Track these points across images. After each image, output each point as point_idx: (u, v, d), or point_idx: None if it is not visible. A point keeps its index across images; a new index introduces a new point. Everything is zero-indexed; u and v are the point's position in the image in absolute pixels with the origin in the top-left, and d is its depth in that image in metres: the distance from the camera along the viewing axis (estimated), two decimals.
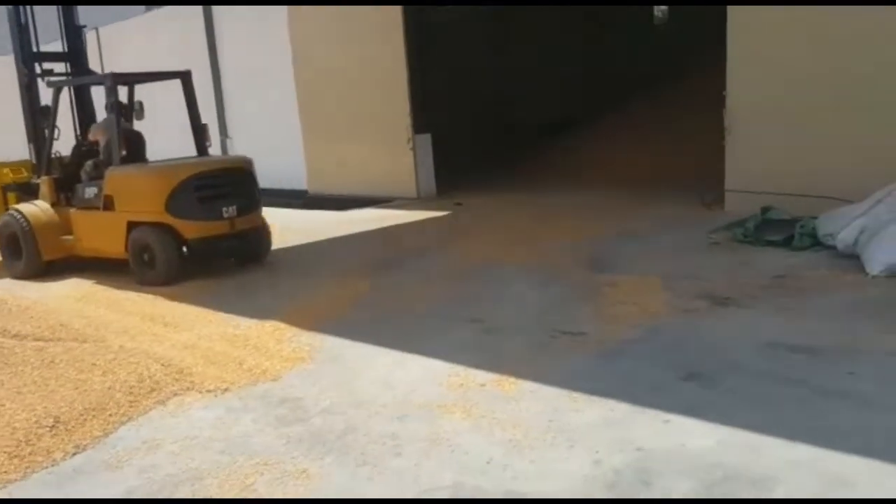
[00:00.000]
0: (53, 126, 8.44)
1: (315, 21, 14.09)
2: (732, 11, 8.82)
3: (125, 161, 7.92)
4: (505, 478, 3.32)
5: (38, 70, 8.95)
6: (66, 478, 3.70)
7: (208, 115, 15.40)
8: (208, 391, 4.64)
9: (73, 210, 8.25)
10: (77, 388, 4.58)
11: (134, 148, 8.29)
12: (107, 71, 9.73)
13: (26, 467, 3.79)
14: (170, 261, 7.49)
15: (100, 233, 7.98)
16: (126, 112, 8.50)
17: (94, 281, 7.89)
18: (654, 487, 3.15)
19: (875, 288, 5.85)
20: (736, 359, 4.55)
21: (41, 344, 5.33)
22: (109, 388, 4.59)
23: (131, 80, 8.76)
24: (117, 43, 18.18)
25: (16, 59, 8.88)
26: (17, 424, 4.15)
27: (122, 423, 4.26)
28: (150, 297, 7.11)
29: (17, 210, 8.36)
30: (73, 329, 5.80)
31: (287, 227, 9.90)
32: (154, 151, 8.83)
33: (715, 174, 9.31)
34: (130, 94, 8.75)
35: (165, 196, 7.40)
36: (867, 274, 6.12)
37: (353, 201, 12.91)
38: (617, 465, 3.35)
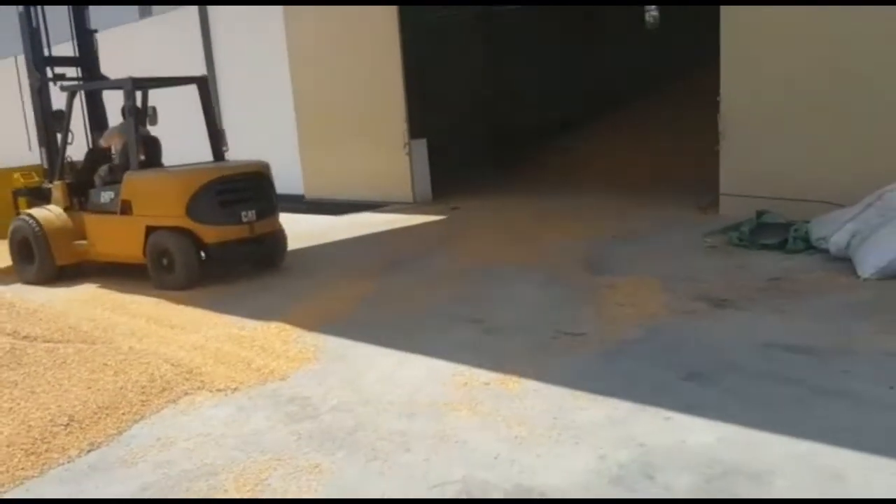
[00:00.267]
0: (67, 130, 8.40)
1: (311, 27, 14.20)
2: (725, 13, 8.97)
3: (142, 166, 7.93)
4: (512, 472, 3.43)
5: (49, 74, 8.90)
6: (82, 474, 3.79)
7: (200, 122, 15.57)
8: (218, 390, 4.73)
9: (87, 215, 8.26)
10: (90, 388, 4.67)
11: (150, 153, 8.31)
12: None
13: (43, 464, 3.88)
14: (189, 265, 7.49)
15: (116, 237, 7.98)
16: (140, 117, 8.50)
17: (98, 284, 7.97)
18: (656, 481, 3.27)
19: (867, 290, 5.99)
20: (734, 359, 4.67)
21: (52, 345, 5.42)
22: (121, 388, 4.68)
23: (149, 84, 8.76)
24: (111, 49, 18.22)
25: (27, 62, 8.84)
26: (32, 423, 4.24)
27: (135, 422, 4.35)
28: (154, 299, 7.20)
29: (30, 215, 8.33)
30: (82, 331, 5.89)
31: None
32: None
33: (710, 177, 9.45)
34: (144, 99, 8.75)
35: (186, 200, 7.40)
36: (859, 276, 6.26)
37: (349, 206, 13.00)
38: (621, 461, 3.46)
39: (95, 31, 9.25)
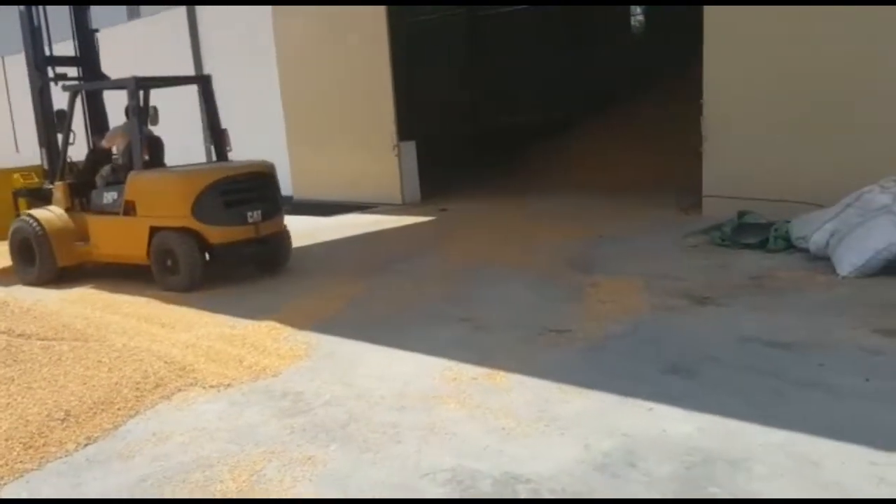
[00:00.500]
0: (69, 131, 8.32)
1: (300, 28, 14.29)
2: (708, 13, 9.14)
3: (145, 166, 7.87)
4: (501, 461, 3.54)
5: (50, 74, 8.81)
6: (81, 467, 3.87)
7: (194, 122, 15.59)
8: (211, 386, 4.82)
9: (89, 215, 8.20)
10: (85, 384, 4.75)
11: (153, 153, 8.25)
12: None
13: (41, 457, 3.96)
14: (194, 266, 7.42)
15: (119, 238, 7.92)
16: (142, 116, 8.36)
17: (90, 285, 7.98)
18: (639, 469, 3.39)
19: (845, 287, 6.16)
20: (714, 353, 4.81)
21: (47, 343, 5.48)
22: (116, 384, 4.76)
23: (152, 84, 8.70)
24: (101, 50, 18.25)
25: (27, 62, 8.75)
26: (29, 418, 4.31)
27: (130, 417, 4.44)
28: (145, 299, 7.26)
29: (31, 215, 8.24)
30: (76, 329, 5.95)
31: None
32: None
33: (694, 179, 9.63)
34: (146, 99, 8.65)
35: (191, 201, 7.35)
36: (837, 274, 6.43)
37: (337, 207, 13.08)
38: (605, 449, 3.59)
39: (97, 30, 9.18)
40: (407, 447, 3.78)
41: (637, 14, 20.53)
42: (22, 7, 8.61)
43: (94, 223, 8.14)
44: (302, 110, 14.64)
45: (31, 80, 8.80)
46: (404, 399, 4.41)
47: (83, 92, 8.89)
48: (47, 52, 8.81)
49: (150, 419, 4.41)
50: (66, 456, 3.99)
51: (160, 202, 7.60)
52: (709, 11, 9.15)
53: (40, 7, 8.67)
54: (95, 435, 4.20)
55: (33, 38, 8.65)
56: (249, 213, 7.60)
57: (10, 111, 21.12)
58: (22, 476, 3.81)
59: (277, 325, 6.05)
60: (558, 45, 17.75)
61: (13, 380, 4.79)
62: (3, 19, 8.92)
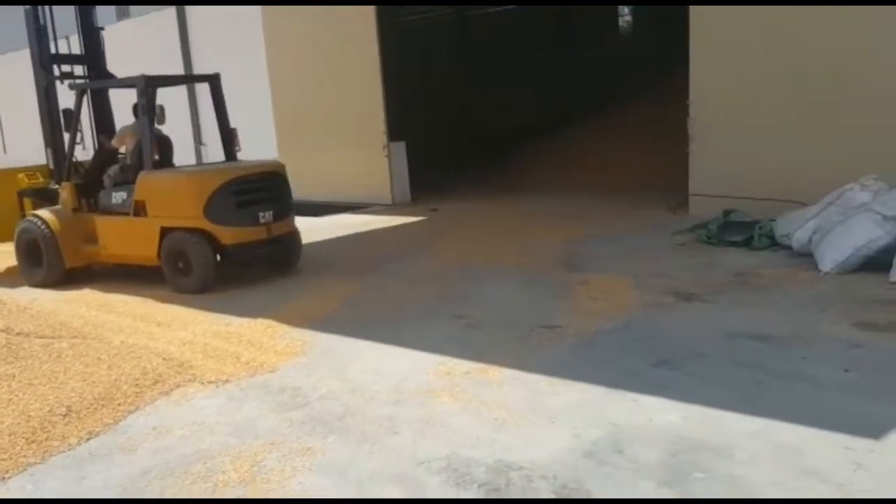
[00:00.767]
0: (76, 130, 8.26)
1: (290, 29, 14.39)
2: (694, 14, 9.30)
3: (155, 166, 7.78)
4: (494, 450, 3.67)
5: (56, 73, 8.69)
6: (84, 460, 3.96)
7: (183, 123, 15.65)
8: (209, 382, 4.92)
9: (97, 216, 8.11)
10: (85, 381, 4.84)
11: (163, 152, 8.19)
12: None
13: (44, 451, 4.05)
14: (206, 267, 7.36)
15: (129, 239, 7.84)
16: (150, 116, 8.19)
17: (85, 285, 8.04)
18: (626, 455, 3.53)
19: (826, 283, 6.33)
20: (700, 347, 4.96)
21: (46, 340, 5.57)
22: (116, 380, 4.85)
23: (161, 83, 8.57)
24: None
25: (33, 61, 8.62)
26: (31, 413, 4.40)
27: (131, 412, 4.53)
28: (140, 298, 7.34)
29: (37, 216, 8.15)
30: (73, 327, 6.04)
31: None
32: None
33: (682, 178, 9.79)
34: (153, 98, 8.35)
35: (203, 201, 7.28)
36: (820, 271, 6.60)
37: (327, 207, 13.17)
38: (594, 438, 3.72)
39: (102, 28, 9.06)
40: (403, 438, 3.89)
41: (625, 14, 20.73)
42: (27, 6, 8.50)
43: (103, 224, 8.05)
44: (292, 111, 14.74)
45: (36, 78, 8.67)
46: (399, 393, 4.52)
47: (89, 91, 8.72)
48: (53, 51, 8.68)
49: (150, 414, 4.50)
50: (68, 450, 4.08)
51: (172, 202, 7.52)
52: (695, 12, 9.31)
53: (46, 5, 8.56)
54: (97, 430, 4.29)
55: (38, 37, 8.53)
56: (261, 214, 7.56)
57: None
58: (26, 469, 3.90)
59: (273, 322, 6.15)
60: (549, 46, 17.91)
61: (14, 376, 4.88)
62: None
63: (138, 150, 7.86)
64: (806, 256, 7.01)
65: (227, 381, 4.94)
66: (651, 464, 3.43)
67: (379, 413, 4.24)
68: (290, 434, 4.05)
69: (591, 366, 4.75)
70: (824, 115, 8.45)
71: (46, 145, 8.72)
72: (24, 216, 8.49)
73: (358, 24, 13.06)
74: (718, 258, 7.50)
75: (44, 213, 8.20)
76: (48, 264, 8.06)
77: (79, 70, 8.95)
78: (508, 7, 16.89)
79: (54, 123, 8.57)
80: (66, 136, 8.40)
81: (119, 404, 4.60)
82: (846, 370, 4.39)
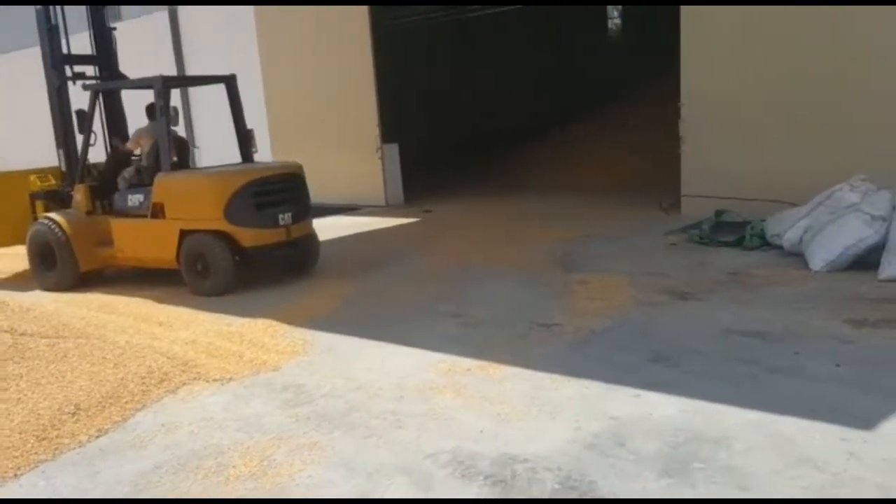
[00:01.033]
0: (90, 131, 8.12)
1: (283, 30, 14.45)
2: (685, 14, 9.45)
3: (172, 168, 7.68)
4: (498, 443, 3.76)
5: (68, 73, 8.57)
6: (95, 457, 4.03)
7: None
8: (214, 380, 5.00)
9: (112, 218, 8.01)
10: (92, 379, 4.91)
11: (180, 154, 8.11)
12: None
13: (55, 449, 4.12)
14: (227, 270, 7.30)
15: (146, 242, 7.75)
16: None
17: (85, 286, 8.06)
18: (627, 448, 3.63)
19: (817, 282, 6.46)
20: (695, 343, 5.08)
21: (51, 341, 5.63)
22: (122, 379, 4.92)
23: (178, 83, 8.47)
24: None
25: (44, 61, 8.53)
26: (40, 412, 4.47)
27: (138, 410, 4.60)
28: (139, 299, 7.39)
29: (51, 219, 8.05)
30: (76, 328, 6.10)
31: None
32: None
33: (674, 179, 9.93)
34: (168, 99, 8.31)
35: (223, 203, 7.22)
36: (810, 269, 6.74)
37: (321, 209, 13.18)
38: (595, 431, 3.82)
39: (114, 28, 9.02)
40: (408, 432, 3.99)
41: (614, 17, 20.91)
42: (38, 6, 8.41)
43: (119, 227, 7.95)
44: (285, 112, 14.79)
45: (47, 79, 8.57)
46: (402, 390, 4.61)
47: (100, 92, 8.60)
48: (65, 50, 8.56)
49: (158, 412, 4.58)
50: (79, 447, 4.15)
51: (191, 204, 7.44)
52: (686, 12, 9.44)
53: (56, 5, 8.47)
54: (106, 427, 4.37)
55: (50, 36, 8.42)
56: (281, 216, 7.51)
57: None
58: (37, 466, 3.97)
59: (274, 322, 6.23)
60: (544, 47, 18.04)
61: (21, 376, 4.94)
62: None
63: (155, 152, 7.78)
64: (797, 256, 7.15)
65: (231, 379, 5.02)
66: (652, 455, 3.54)
67: (383, 409, 4.33)
68: (296, 430, 4.14)
69: (590, 362, 4.85)
70: (815, 118, 8.60)
71: (58, 147, 8.61)
72: (35, 219, 8.41)
73: (351, 25, 13.13)
74: (711, 258, 7.63)
75: (57, 215, 8.11)
76: (62, 267, 7.99)
77: (90, 70, 8.84)
78: (503, 8, 17.01)
79: (67, 125, 8.47)
80: (76, 138, 8.28)
81: (126, 402, 4.67)
82: (838, 365, 4.52)
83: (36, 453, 4.08)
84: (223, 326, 6.22)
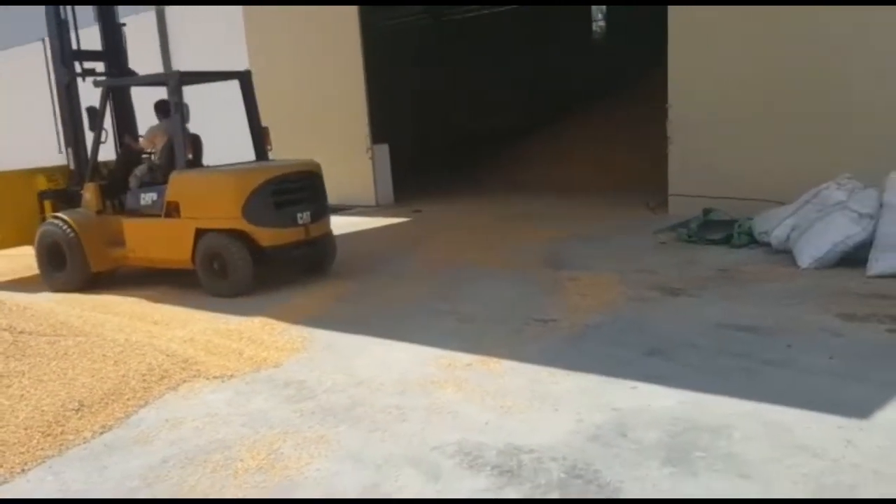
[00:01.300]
0: (101, 129, 7.97)
1: (272, 31, 14.47)
2: (672, 14, 9.58)
3: (186, 166, 7.55)
4: (502, 435, 3.84)
5: (77, 69, 8.44)
6: (101, 452, 4.06)
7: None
8: (215, 377, 5.02)
9: (124, 218, 7.86)
10: (93, 377, 4.92)
11: (194, 152, 7.99)
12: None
13: (60, 444, 4.14)
14: (245, 270, 7.18)
15: (160, 242, 7.59)
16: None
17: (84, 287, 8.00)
18: (629, 438, 3.72)
19: (805, 278, 6.60)
20: (689, 337, 5.18)
21: (51, 338, 5.63)
22: (123, 376, 4.94)
23: (192, 80, 8.36)
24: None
25: (54, 58, 8.41)
26: (44, 408, 4.48)
27: (141, 407, 4.62)
28: (134, 299, 7.39)
29: (60, 218, 7.89)
30: (74, 326, 6.09)
31: None
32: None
33: (662, 178, 10.06)
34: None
35: (242, 201, 7.07)
36: (798, 266, 6.87)
37: None
38: (597, 422, 3.90)
39: (124, 24, 8.91)
40: (413, 425, 4.05)
41: (598, 20, 21.06)
42: (48, 5, 8.32)
43: (131, 226, 7.81)
44: (274, 113, 14.73)
45: (57, 75, 8.48)
46: (404, 385, 4.67)
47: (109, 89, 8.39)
48: (74, 46, 8.43)
49: (161, 408, 4.61)
50: (84, 443, 4.17)
51: (208, 203, 7.29)
52: (673, 12, 9.57)
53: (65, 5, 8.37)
54: (110, 423, 4.39)
55: (59, 33, 8.29)
56: (299, 215, 7.40)
57: None
58: (44, 462, 3.98)
59: (271, 320, 6.27)
60: (530, 48, 18.15)
61: (24, 373, 4.95)
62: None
63: (169, 150, 7.65)
64: (784, 253, 7.29)
65: (231, 376, 5.05)
66: (653, 445, 3.62)
67: (386, 403, 4.39)
68: (301, 424, 4.19)
69: (587, 356, 4.94)
70: (801, 117, 8.76)
71: (67, 145, 8.47)
72: (44, 219, 8.27)
73: (341, 25, 13.19)
74: (700, 255, 7.75)
75: (67, 215, 7.95)
76: (72, 268, 7.86)
77: (98, 67, 8.74)
78: (494, 9, 17.11)
79: (76, 122, 8.34)
80: (86, 135, 8.17)
81: (129, 399, 4.69)
82: (831, 357, 4.63)
83: (42, 449, 4.10)
84: (220, 325, 6.25)
